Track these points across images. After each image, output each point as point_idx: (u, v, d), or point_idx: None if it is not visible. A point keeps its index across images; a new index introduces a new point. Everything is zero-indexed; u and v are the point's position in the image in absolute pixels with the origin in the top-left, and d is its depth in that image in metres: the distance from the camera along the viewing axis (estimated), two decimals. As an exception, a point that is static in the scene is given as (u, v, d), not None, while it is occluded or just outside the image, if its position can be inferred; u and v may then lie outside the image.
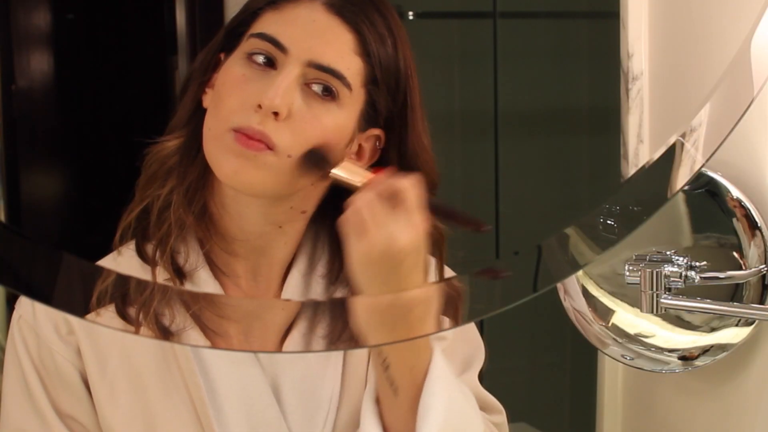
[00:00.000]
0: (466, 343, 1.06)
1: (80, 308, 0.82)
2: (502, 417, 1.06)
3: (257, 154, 0.91)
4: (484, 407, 1.04)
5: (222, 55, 0.97)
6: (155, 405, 0.98)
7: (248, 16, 0.96)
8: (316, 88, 0.93)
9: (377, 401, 0.97)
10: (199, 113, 0.97)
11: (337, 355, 1.02)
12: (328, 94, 0.93)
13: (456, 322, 0.94)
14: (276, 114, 0.91)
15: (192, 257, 0.99)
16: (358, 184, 0.92)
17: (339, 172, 0.94)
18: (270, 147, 0.91)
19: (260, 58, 0.93)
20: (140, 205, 0.98)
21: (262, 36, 0.93)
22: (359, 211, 0.89)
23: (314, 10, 0.94)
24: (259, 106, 0.90)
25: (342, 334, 0.97)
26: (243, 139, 0.91)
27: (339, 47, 0.93)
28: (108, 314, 0.86)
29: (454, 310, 0.92)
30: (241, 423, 0.99)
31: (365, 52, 0.94)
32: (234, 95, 0.92)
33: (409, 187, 0.89)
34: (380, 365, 0.94)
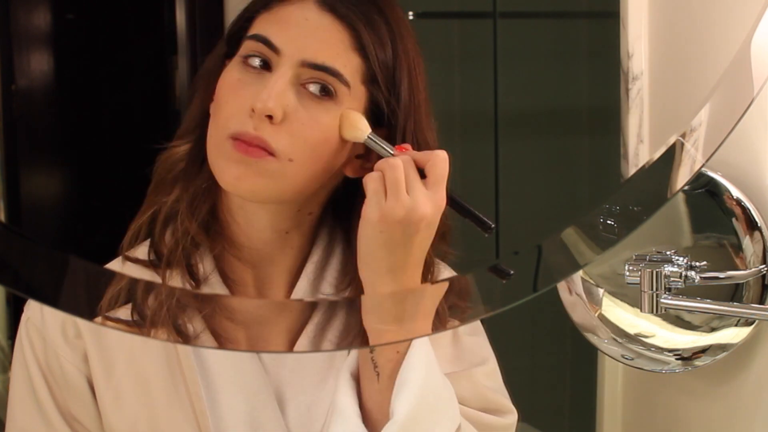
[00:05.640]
0: (474, 342, 1.05)
1: (86, 311, 0.81)
2: (506, 420, 1.03)
3: (258, 160, 0.89)
4: (488, 408, 1.01)
5: (228, 62, 0.95)
6: (159, 410, 0.97)
7: (244, 21, 0.95)
8: (313, 88, 0.91)
9: (358, 380, 0.95)
10: (205, 120, 0.95)
11: (336, 367, 1.00)
12: (326, 93, 0.91)
13: (462, 320, 0.94)
14: (270, 117, 0.89)
15: (203, 265, 0.97)
16: (391, 152, 0.90)
17: (375, 138, 0.91)
18: (270, 153, 0.89)
19: (256, 61, 0.91)
20: (149, 211, 0.97)
21: (255, 38, 0.92)
22: (393, 169, 0.87)
23: (306, 9, 0.92)
24: (253, 110, 0.89)
25: (348, 335, 0.97)
26: (242, 146, 0.89)
27: (333, 44, 0.91)
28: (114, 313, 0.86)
29: (461, 309, 0.91)
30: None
31: (361, 47, 0.92)
32: (230, 101, 0.91)
33: (441, 161, 0.88)
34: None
